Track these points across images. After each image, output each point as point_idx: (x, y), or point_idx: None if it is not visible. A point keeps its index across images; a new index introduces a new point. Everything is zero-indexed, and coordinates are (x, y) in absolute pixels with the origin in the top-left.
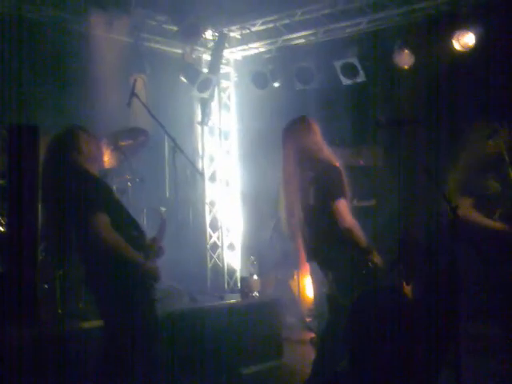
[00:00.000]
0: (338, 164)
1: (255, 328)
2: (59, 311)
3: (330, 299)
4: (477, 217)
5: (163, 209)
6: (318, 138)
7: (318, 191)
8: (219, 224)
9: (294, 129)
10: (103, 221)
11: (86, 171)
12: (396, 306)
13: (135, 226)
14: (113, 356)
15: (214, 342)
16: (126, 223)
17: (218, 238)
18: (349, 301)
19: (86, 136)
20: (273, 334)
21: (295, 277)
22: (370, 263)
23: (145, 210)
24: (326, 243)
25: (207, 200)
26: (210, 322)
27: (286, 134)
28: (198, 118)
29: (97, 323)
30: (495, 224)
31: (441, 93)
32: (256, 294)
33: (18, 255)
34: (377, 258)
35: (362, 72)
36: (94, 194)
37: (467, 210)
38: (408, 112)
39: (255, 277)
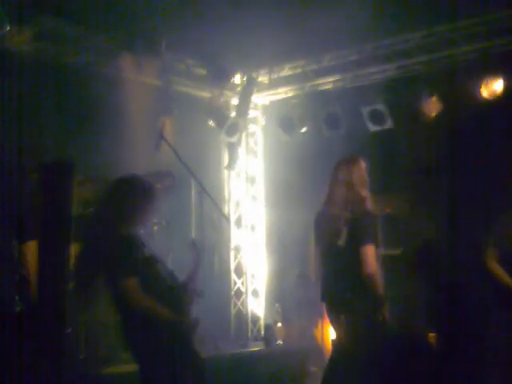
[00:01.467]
0: (375, 211)
1: (279, 376)
2: (81, 357)
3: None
4: (500, 271)
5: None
6: (365, 179)
7: (350, 232)
8: (244, 270)
9: (346, 165)
10: (132, 286)
11: (118, 231)
12: (420, 355)
13: (170, 276)
14: None
15: None
16: (159, 277)
17: (242, 284)
18: (357, 348)
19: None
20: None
21: (319, 325)
22: (380, 315)
23: (170, 254)
24: (344, 285)
25: (232, 245)
26: (233, 369)
27: (336, 169)
28: (225, 162)
29: (120, 369)
30: None
31: (467, 141)
32: (280, 342)
33: (46, 293)
34: (386, 311)
35: (389, 119)
36: (125, 255)
37: (492, 261)
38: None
39: (279, 324)
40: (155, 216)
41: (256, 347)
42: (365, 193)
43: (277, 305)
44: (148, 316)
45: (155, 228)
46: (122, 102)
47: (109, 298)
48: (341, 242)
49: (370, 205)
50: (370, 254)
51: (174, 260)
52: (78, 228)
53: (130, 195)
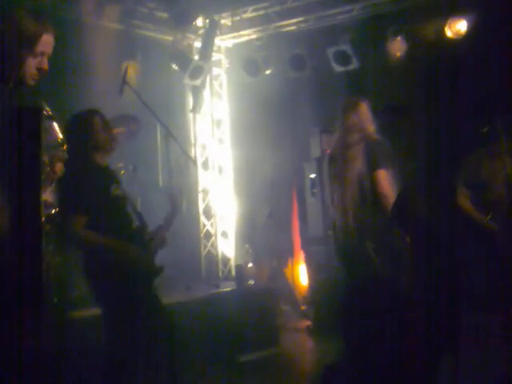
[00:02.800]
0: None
1: (251, 316)
2: (55, 299)
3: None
4: (471, 209)
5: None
6: (370, 117)
7: (366, 160)
8: (212, 212)
9: (348, 106)
10: (76, 223)
11: (90, 163)
12: (393, 300)
13: (138, 218)
14: (112, 348)
15: (211, 331)
16: (124, 219)
17: (211, 226)
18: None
19: (100, 122)
20: (268, 322)
21: (289, 264)
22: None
23: (138, 199)
24: (358, 210)
25: (200, 188)
26: (206, 311)
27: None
28: (190, 105)
29: (93, 312)
30: (485, 222)
31: (433, 81)
32: (251, 282)
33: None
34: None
35: (354, 59)
36: (80, 191)
37: (463, 199)
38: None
39: (250, 265)
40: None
41: (227, 287)
42: (373, 128)
43: (247, 246)
44: (101, 255)
45: (122, 173)
46: (83, 48)
47: None
48: (358, 165)
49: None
50: (384, 177)
51: (142, 204)
52: None
53: (89, 125)
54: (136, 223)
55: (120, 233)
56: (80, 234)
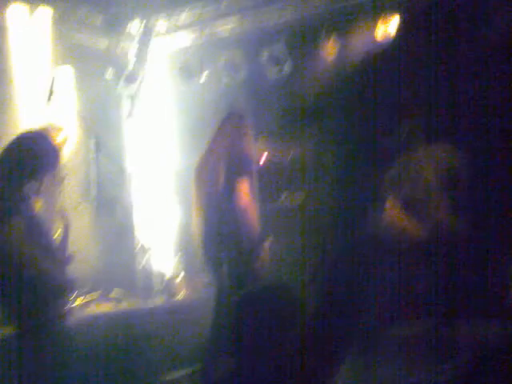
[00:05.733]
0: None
1: (177, 331)
2: None
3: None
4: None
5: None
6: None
7: (227, 171)
8: (149, 224)
9: (229, 121)
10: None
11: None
12: (285, 304)
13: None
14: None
15: (136, 347)
16: (36, 230)
17: (146, 240)
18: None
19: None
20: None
21: None
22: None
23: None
24: (221, 223)
25: (135, 199)
26: (131, 325)
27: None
28: (125, 113)
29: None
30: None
31: (366, 84)
32: (182, 294)
33: None
34: (265, 252)
35: (289, 62)
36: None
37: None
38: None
39: (180, 277)
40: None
41: (156, 302)
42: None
43: (178, 255)
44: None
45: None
46: (10, 55)
47: None
48: (219, 182)
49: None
50: (245, 188)
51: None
52: None
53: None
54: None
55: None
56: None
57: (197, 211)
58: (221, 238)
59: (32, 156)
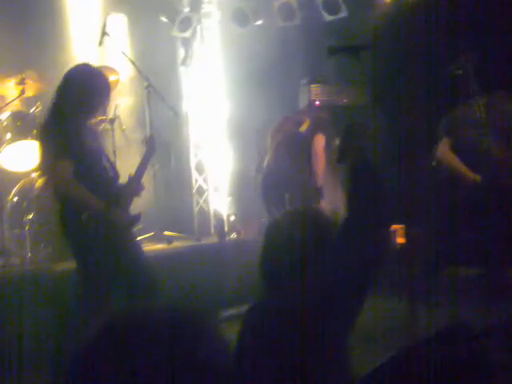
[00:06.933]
0: None
1: (229, 270)
2: (29, 255)
3: None
4: (453, 161)
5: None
6: None
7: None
8: (205, 166)
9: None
10: (62, 168)
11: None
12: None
13: (112, 169)
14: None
15: (187, 285)
16: (99, 167)
17: (204, 181)
18: None
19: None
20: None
21: None
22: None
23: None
24: (292, 164)
25: (192, 142)
26: (182, 264)
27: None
28: (181, 58)
29: (66, 266)
30: (466, 171)
31: (424, 26)
32: (234, 235)
33: None
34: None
35: (343, 7)
36: (64, 140)
37: (445, 149)
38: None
39: (233, 217)
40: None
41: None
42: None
43: (229, 198)
44: (79, 205)
45: (104, 125)
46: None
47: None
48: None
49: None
50: (320, 142)
51: (122, 155)
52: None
53: (86, 83)
54: (110, 173)
55: (96, 184)
56: (70, 182)
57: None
58: (288, 180)
59: (86, 90)
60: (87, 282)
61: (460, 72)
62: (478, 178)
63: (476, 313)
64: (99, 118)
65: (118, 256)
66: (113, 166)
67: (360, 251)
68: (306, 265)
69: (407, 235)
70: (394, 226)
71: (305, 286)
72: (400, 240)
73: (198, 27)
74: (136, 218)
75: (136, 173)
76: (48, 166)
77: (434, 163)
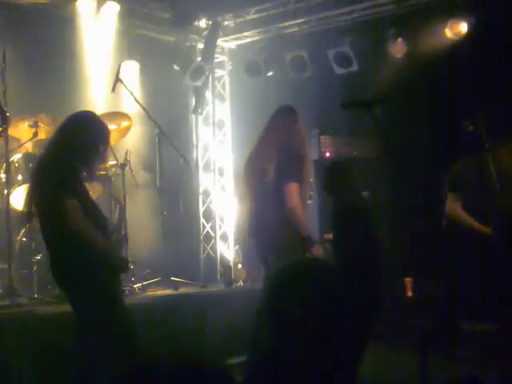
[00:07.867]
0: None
1: (233, 317)
2: (35, 296)
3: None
4: (461, 215)
5: None
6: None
7: (276, 171)
8: (213, 214)
9: (277, 117)
10: (73, 205)
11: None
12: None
13: (100, 213)
14: (87, 344)
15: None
16: (92, 210)
17: (211, 229)
18: None
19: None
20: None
21: None
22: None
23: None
24: (270, 222)
25: (201, 190)
26: (187, 310)
27: (270, 121)
28: (192, 107)
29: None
30: (478, 226)
31: (434, 82)
32: (241, 283)
33: None
34: (318, 250)
35: (355, 61)
36: (68, 180)
37: (453, 206)
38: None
39: (239, 266)
40: (109, 157)
41: (215, 288)
42: (296, 138)
43: (237, 246)
44: (81, 239)
45: (113, 171)
46: (80, 45)
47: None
48: (267, 181)
49: (301, 148)
50: (293, 191)
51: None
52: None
53: (83, 129)
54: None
55: (97, 225)
56: (83, 219)
57: (246, 204)
58: (270, 241)
59: (83, 136)
60: (85, 325)
61: (471, 128)
62: (488, 231)
63: (488, 369)
64: (110, 163)
65: (114, 299)
66: (101, 213)
67: (356, 296)
68: (308, 314)
69: (415, 288)
70: (404, 279)
71: (307, 337)
72: (408, 293)
73: (210, 76)
74: (124, 261)
75: (116, 227)
76: (57, 204)
77: (443, 222)
